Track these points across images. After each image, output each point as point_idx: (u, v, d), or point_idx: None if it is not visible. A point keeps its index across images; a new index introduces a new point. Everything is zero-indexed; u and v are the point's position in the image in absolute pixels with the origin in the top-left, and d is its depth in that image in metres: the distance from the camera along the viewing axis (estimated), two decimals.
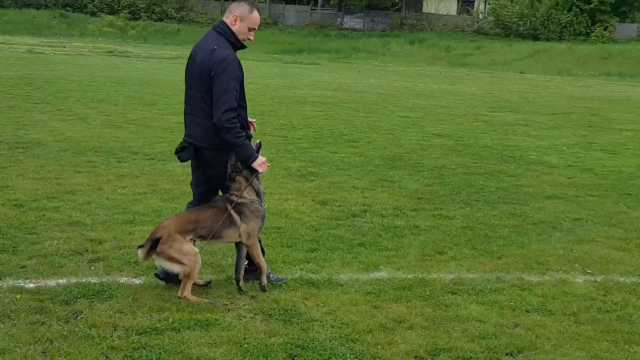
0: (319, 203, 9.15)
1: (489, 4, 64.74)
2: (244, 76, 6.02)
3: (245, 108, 6.11)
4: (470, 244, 7.69)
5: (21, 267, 6.30)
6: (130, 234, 7.41)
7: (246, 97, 6.11)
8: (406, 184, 10.60)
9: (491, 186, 10.65)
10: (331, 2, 67.54)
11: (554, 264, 7.15)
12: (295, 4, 68.52)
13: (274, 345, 5.06)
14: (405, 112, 19.66)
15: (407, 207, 9.21)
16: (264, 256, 6.15)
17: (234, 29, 6.00)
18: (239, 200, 5.95)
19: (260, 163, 5.93)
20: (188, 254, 5.73)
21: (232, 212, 5.93)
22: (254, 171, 5.98)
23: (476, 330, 5.46)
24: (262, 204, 6.12)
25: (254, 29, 6.04)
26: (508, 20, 59.24)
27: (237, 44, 6.03)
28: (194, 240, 5.89)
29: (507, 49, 51.83)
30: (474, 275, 6.73)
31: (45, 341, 4.94)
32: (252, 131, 6.24)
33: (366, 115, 18.56)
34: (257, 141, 6.15)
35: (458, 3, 69.54)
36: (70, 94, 19.12)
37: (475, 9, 66.75)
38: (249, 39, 6.07)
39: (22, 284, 5.92)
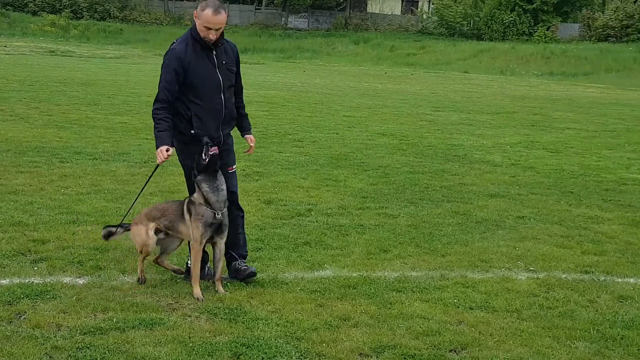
0: (264, 202, 9.17)
1: (432, 4, 65.35)
2: (194, 70, 6.05)
3: (200, 105, 6.09)
4: (415, 242, 7.77)
5: None
6: (73, 234, 7.35)
7: (212, 92, 6.12)
8: (351, 183, 10.67)
9: (435, 185, 10.78)
10: (275, 2, 67.47)
11: (497, 262, 7.26)
12: (239, 3, 68.23)
13: (219, 344, 5.07)
14: (350, 112, 19.76)
15: (352, 206, 9.27)
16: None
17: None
18: (192, 199, 6.04)
19: (157, 153, 5.93)
20: (140, 237, 6.14)
21: (185, 209, 6.03)
22: (202, 173, 5.96)
23: (420, 327, 5.52)
24: (216, 213, 5.97)
25: (210, 28, 5.97)
26: (452, 20, 59.83)
27: (201, 42, 6.07)
28: (160, 230, 6.12)
29: (451, 48, 52.37)
30: (418, 273, 6.81)
31: None
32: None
33: (311, 115, 18.61)
34: (211, 151, 5.93)
35: (402, 3, 70.11)
36: (11, 94, 18.80)
37: (419, 9, 67.33)
38: (209, 37, 6.02)
39: None
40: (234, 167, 6.45)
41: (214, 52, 6.13)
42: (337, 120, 17.93)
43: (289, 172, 11.14)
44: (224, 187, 6.02)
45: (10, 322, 5.22)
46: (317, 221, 8.43)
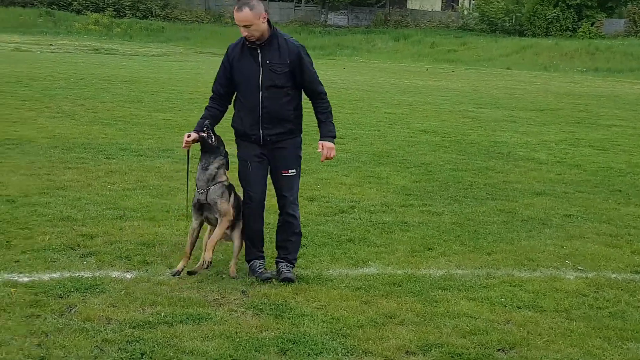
0: (307, 199, 9.17)
1: (473, 0, 64.80)
2: (238, 68, 6.25)
3: (241, 102, 6.31)
4: (460, 240, 7.73)
5: (15, 262, 6.35)
6: (120, 229, 7.44)
7: (250, 90, 6.23)
8: (394, 180, 10.64)
9: (479, 182, 10.71)
10: None
11: (545, 261, 7.18)
12: (279, 0, 68.41)
13: (266, 339, 5.10)
14: (391, 109, 19.69)
15: (395, 203, 9.25)
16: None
17: None
18: None
19: None
20: None
21: None
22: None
23: (467, 326, 5.49)
24: (198, 191, 6.30)
25: (239, 26, 6.08)
26: (493, 16, 59.26)
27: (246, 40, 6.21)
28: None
29: (493, 44, 51.80)
30: (463, 271, 6.77)
31: (41, 334, 4.98)
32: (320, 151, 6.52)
33: (352, 112, 18.58)
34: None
35: None
36: (58, 91, 19.06)
37: (460, 5, 66.83)
38: (243, 34, 6.14)
39: (16, 278, 5.96)
40: (289, 171, 6.41)
41: (259, 51, 6.18)
42: (378, 117, 17.89)
43: (331, 169, 11.13)
44: (212, 167, 6.29)
45: (62, 315, 5.31)
46: (360, 218, 8.43)
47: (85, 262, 6.45)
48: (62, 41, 45.15)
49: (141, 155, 11.34)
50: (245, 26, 6.04)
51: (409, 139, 14.66)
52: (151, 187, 9.31)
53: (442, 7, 68.91)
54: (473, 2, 64.81)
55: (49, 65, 27.05)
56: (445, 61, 46.71)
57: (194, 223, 6.37)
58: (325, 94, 6.48)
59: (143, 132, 13.54)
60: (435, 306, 5.87)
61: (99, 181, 9.49)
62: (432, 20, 63.68)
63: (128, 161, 10.86)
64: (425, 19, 64.06)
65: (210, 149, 6.31)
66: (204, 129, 6.29)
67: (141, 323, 5.22)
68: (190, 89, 21.53)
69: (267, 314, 5.55)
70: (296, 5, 67.27)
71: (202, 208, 6.31)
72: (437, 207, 9.13)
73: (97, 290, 5.78)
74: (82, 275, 6.07)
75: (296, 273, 6.41)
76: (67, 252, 6.68)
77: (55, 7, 60.94)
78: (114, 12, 60.65)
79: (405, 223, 8.31)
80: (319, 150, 6.46)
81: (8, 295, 5.55)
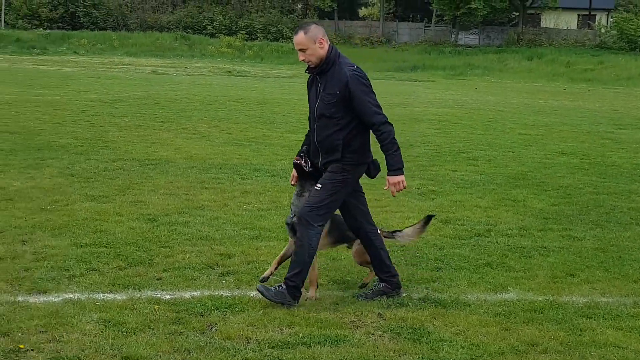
0: (442, 222, 9.05)
1: (611, 18, 62.72)
2: (308, 96, 6.40)
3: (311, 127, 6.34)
4: (603, 267, 7.42)
5: (157, 279, 6.53)
6: (257, 249, 7.54)
7: (311, 119, 6.34)
8: (531, 203, 10.35)
9: (622, 206, 10.26)
10: (445, 19, 67.00)
11: None
12: (409, 21, 68.40)
13: None
14: (526, 130, 19.23)
15: (534, 227, 8.98)
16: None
17: None
18: None
19: None
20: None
21: None
22: None
23: (615, 356, 5.26)
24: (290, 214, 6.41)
25: (296, 49, 6.10)
26: (632, 34, 57.11)
27: None
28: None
29: (633, 63, 49.83)
30: (609, 299, 6.49)
31: (184, 351, 5.09)
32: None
33: (484, 133, 18.26)
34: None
35: (578, 17, 67.79)
36: (193, 112, 19.63)
37: (596, 23, 64.83)
38: (300, 59, 6.14)
39: (159, 295, 6.13)
40: (317, 185, 6.19)
41: (319, 79, 6.15)
42: (512, 138, 17.50)
43: (465, 191, 10.95)
44: (307, 195, 6.21)
45: (203, 333, 5.40)
46: (497, 242, 8.23)
47: (224, 281, 6.56)
48: (196, 64, 46.66)
49: (275, 176, 11.48)
50: (300, 50, 6.02)
51: (546, 160, 14.26)
52: (285, 208, 9.37)
53: (577, 25, 67.08)
54: (611, 19, 62.74)
55: (184, 88, 27.94)
56: (581, 80, 45.34)
57: (289, 242, 6.40)
58: (383, 123, 6.00)
59: (276, 153, 13.73)
60: (580, 335, 5.65)
61: (235, 201, 9.66)
62: (567, 39, 61.98)
63: (262, 182, 11.01)
64: (559, 37, 62.40)
65: (305, 175, 6.32)
66: (301, 154, 6.33)
67: (280, 343, 5.25)
68: None
69: (405, 337, 5.48)
70: (426, 25, 67.04)
71: (295, 231, 6.30)
72: (577, 231, 8.81)
73: (237, 309, 5.86)
74: (222, 294, 6.16)
75: (432, 297, 6.32)
76: (206, 270, 6.82)
77: (190, 31, 63.16)
78: (246, 35, 62.25)
79: (545, 248, 8.06)
80: (385, 188, 6.10)
81: (152, 312, 5.71)
